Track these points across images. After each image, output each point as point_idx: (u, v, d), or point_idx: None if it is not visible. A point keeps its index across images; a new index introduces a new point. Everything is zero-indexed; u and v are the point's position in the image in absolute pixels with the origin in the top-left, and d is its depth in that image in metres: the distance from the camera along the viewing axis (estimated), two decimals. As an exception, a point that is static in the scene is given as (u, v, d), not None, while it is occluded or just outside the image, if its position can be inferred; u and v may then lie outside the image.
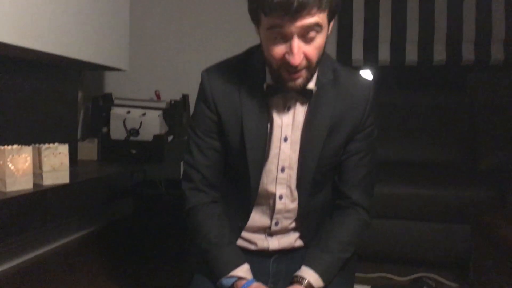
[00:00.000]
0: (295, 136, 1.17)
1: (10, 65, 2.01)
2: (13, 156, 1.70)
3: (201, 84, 1.22)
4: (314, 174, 1.19)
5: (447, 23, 2.98)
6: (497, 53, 2.91)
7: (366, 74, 3.12)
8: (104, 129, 2.71)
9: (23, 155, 1.75)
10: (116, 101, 2.76)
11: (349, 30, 3.08)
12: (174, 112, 2.80)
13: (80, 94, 2.67)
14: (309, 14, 0.98)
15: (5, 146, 1.70)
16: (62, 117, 2.38)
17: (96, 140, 2.75)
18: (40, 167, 1.87)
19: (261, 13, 1.02)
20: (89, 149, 2.74)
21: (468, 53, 2.93)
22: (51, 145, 1.88)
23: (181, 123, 2.89)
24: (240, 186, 1.23)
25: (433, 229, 2.21)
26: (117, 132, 2.67)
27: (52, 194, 1.84)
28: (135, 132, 2.66)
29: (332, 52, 3.08)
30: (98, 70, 2.83)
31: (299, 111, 1.17)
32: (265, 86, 1.15)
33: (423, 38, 3.00)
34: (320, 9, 0.99)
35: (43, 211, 1.80)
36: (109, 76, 3.16)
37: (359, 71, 1.29)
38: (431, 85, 3.13)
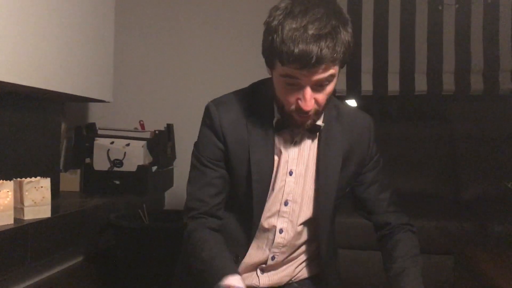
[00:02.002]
0: (300, 170, 1.21)
1: (-8, 98, 2.00)
2: (-7, 191, 1.68)
3: (208, 114, 1.22)
4: (333, 206, 1.24)
5: (428, 54, 3.04)
6: (476, 83, 2.97)
7: (350, 104, 3.16)
8: (87, 160, 2.69)
9: (4, 190, 1.73)
10: (99, 131, 2.75)
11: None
12: (158, 142, 2.80)
13: (63, 125, 2.65)
14: (325, 68, 1.03)
15: (-14, 182, 1.68)
16: (44, 149, 2.35)
17: (78, 171, 2.72)
18: (22, 202, 1.84)
19: (277, 61, 1.05)
20: (71, 181, 2.72)
21: (448, 83, 2.99)
22: (33, 179, 1.86)
23: (165, 153, 2.89)
24: (241, 218, 1.24)
25: (416, 260, 2.21)
26: (100, 163, 2.65)
27: (33, 229, 1.82)
28: (118, 162, 2.64)
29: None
30: (81, 101, 2.82)
31: (306, 146, 1.21)
32: (274, 121, 1.18)
33: (404, 68, 3.06)
34: (335, 62, 1.03)
35: (24, 247, 1.77)
36: (92, 106, 3.15)
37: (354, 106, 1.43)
38: (413, 115, 3.18)
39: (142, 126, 2.91)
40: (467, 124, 2.85)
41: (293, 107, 1.09)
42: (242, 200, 1.21)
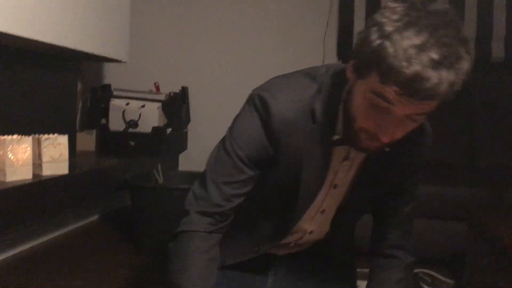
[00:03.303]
0: (344, 182, 1.08)
1: (10, 55, 2.00)
2: (13, 146, 1.70)
3: (265, 108, 0.98)
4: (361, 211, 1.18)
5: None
6: (497, 51, 2.91)
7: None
8: (103, 121, 2.70)
9: (23, 146, 1.75)
10: (115, 93, 2.75)
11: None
12: (173, 104, 2.80)
13: (79, 85, 2.66)
14: (433, 104, 0.84)
15: (5, 136, 1.70)
16: (61, 108, 2.37)
17: (94, 132, 2.74)
18: (40, 158, 1.86)
19: (375, 73, 0.83)
20: (87, 140, 2.74)
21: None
22: (50, 135, 1.88)
23: (180, 115, 2.89)
24: (273, 221, 1.14)
25: (430, 226, 2.22)
26: (115, 123, 2.66)
27: (51, 185, 1.85)
28: (134, 123, 2.65)
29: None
30: (97, 61, 2.82)
31: (357, 161, 1.05)
32: (334, 138, 1.00)
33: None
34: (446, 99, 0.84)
35: (42, 201, 1.80)
36: (108, 67, 3.15)
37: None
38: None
39: (157, 88, 2.90)
40: (485, 92, 2.80)
41: (366, 130, 0.90)
42: (278, 207, 1.10)
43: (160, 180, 2.40)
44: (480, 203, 2.15)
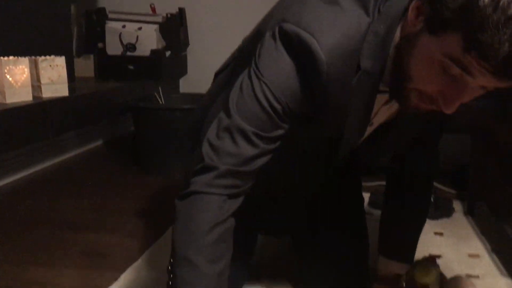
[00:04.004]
0: (378, 121, 0.98)
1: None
2: (10, 67, 1.67)
3: (308, 53, 0.79)
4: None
5: None
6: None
7: None
8: (100, 45, 2.64)
9: (20, 67, 1.72)
10: (110, 15, 2.67)
11: None
12: (170, 26, 2.72)
13: (72, 8, 2.58)
14: None
15: (1, 57, 1.67)
16: (56, 32, 2.30)
17: (92, 57, 2.69)
18: (38, 80, 1.84)
19: (458, 38, 0.67)
20: (85, 66, 2.70)
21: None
22: (47, 57, 1.84)
23: (178, 38, 2.82)
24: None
25: (433, 138, 2.22)
26: (113, 47, 2.61)
27: (52, 106, 1.83)
28: (131, 47, 2.60)
29: None
30: (89, -18, 2.71)
31: (394, 107, 0.94)
32: (381, 88, 0.86)
33: None
34: None
35: (44, 123, 1.79)
36: (101, -10, 3.04)
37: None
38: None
39: (153, 10, 2.81)
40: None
41: (423, 92, 0.77)
42: (313, 155, 1.00)
43: (162, 102, 2.38)
44: (486, 113, 2.14)
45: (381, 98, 0.88)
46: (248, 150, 0.82)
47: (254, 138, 0.82)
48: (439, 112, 0.82)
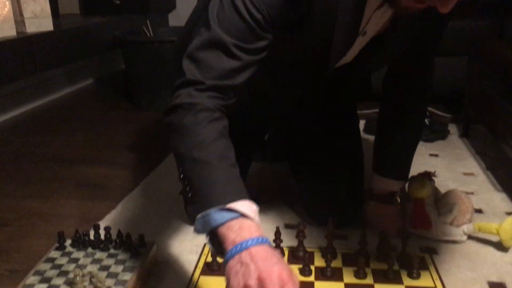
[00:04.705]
0: (372, 30, 0.93)
1: None
2: (-11, -1, 1.61)
3: None
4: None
5: None
6: None
7: None
8: (83, -22, 2.55)
9: (1, 0, 1.65)
10: None
11: None
12: (156, -43, 2.62)
13: None
14: None
15: (-21, -11, 1.60)
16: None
17: (76, -8, 2.61)
18: (21, 14, 1.78)
19: None
20: (69, 3, 2.61)
21: None
22: (28, -11, 1.77)
23: (164, -31, 2.72)
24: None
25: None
26: (97, -20, 2.51)
27: (37, 41, 1.78)
28: (116, -21, 2.50)
29: None
30: None
31: (390, 11, 0.89)
32: None
33: None
34: None
35: (29, 58, 1.74)
36: None
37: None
38: None
39: None
40: None
41: None
42: (303, 66, 0.97)
43: (150, 35, 2.31)
44: (483, 35, 2.10)
45: (373, 3, 0.85)
46: (230, 62, 0.79)
47: (235, 50, 0.78)
48: (434, 17, 0.80)
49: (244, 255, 0.66)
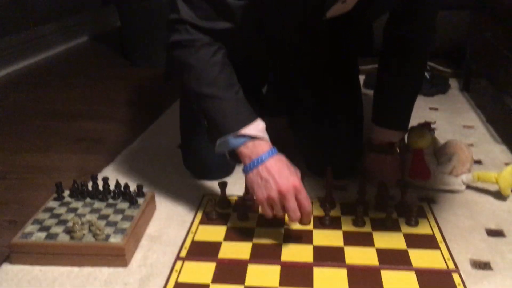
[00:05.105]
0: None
1: None
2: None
3: None
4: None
5: None
6: None
7: None
8: None
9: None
10: None
11: None
12: None
13: None
14: None
15: None
16: None
17: None
18: (11, -35, 1.73)
19: None
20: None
21: None
22: None
23: None
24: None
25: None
26: None
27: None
28: None
29: None
30: None
31: None
32: None
33: None
34: None
35: (22, 12, 1.71)
36: None
37: None
38: None
39: None
40: None
41: None
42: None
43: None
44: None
45: None
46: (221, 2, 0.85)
47: None
48: None
49: (262, 169, 0.85)
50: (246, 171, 0.87)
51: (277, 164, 0.85)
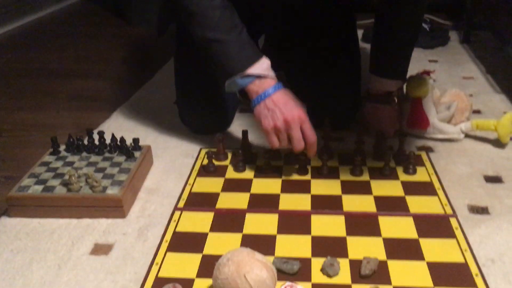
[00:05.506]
0: None
1: None
2: None
3: None
4: None
5: None
6: None
7: None
8: None
9: None
10: None
11: None
12: None
13: None
14: None
15: None
16: None
17: None
18: None
19: None
20: None
21: None
22: None
23: None
24: None
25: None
26: None
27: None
28: None
29: None
30: None
31: None
32: None
33: None
34: None
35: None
36: None
37: None
38: None
39: None
40: None
41: None
42: None
43: None
44: None
45: None
46: None
47: None
48: None
49: (268, 102, 0.89)
50: (253, 105, 0.92)
51: (283, 97, 0.90)
